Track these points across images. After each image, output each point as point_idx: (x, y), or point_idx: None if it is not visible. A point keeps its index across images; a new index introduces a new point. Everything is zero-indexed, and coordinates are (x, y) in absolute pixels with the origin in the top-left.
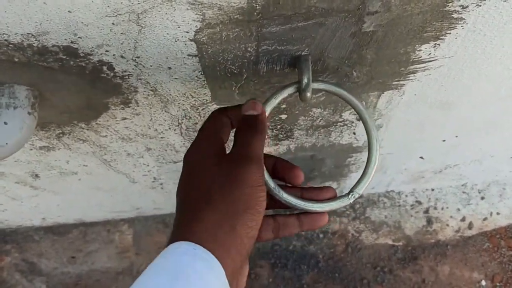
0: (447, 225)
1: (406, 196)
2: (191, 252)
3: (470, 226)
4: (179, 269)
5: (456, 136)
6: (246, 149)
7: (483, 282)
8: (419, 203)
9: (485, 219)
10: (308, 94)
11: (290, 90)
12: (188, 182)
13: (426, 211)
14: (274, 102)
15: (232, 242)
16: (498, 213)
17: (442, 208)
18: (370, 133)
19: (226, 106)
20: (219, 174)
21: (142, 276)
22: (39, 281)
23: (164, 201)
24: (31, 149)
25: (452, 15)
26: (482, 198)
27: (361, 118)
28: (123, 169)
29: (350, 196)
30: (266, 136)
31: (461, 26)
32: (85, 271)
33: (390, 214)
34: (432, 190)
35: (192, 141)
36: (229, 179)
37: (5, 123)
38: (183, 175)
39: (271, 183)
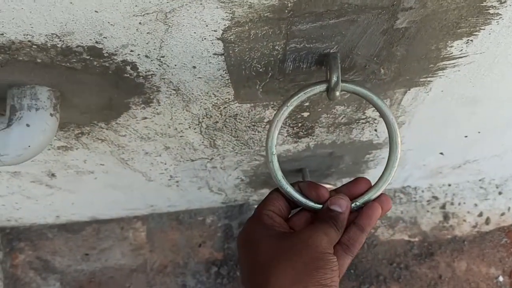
0: (464, 220)
1: (423, 191)
2: None
3: (487, 221)
4: None
5: (479, 132)
6: (315, 232)
7: (501, 278)
8: (436, 198)
9: (502, 214)
10: (337, 93)
11: (319, 89)
12: (247, 261)
13: (443, 207)
14: (300, 98)
15: None
16: None
17: (459, 204)
18: (393, 151)
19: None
20: (281, 243)
21: None
22: (53, 278)
23: (179, 198)
24: (49, 149)
25: (489, 11)
26: (500, 193)
27: (388, 133)
28: (140, 168)
29: (353, 205)
30: (286, 134)
31: (496, 22)
32: (98, 268)
33: (406, 209)
34: (449, 185)
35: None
36: (296, 245)
37: (28, 125)
38: (241, 261)
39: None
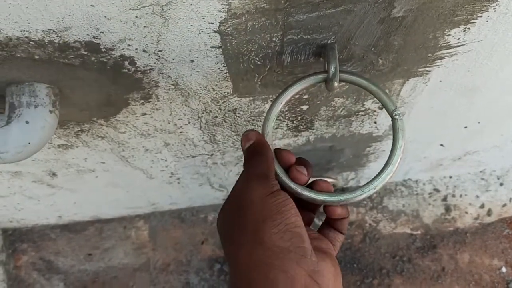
0: (466, 212)
1: (424, 184)
2: None
3: (489, 212)
4: None
5: (479, 122)
6: (249, 171)
7: (504, 269)
8: (437, 191)
9: (504, 205)
10: (336, 84)
11: (316, 79)
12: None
13: (444, 199)
14: (299, 88)
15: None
16: None
17: (461, 196)
18: (396, 142)
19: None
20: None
21: None
22: (56, 279)
23: (180, 196)
24: (49, 148)
25: None
26: (501, 184)
27: (392, 121)
28: (140, 165)
29: None
30: (286, 128)
31: (493, 9)
32: (102, 268)
33: (408, 203)
34: (450, 177)
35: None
36: (241, 203)
37: (27, 122)
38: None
39: (280, 172)
